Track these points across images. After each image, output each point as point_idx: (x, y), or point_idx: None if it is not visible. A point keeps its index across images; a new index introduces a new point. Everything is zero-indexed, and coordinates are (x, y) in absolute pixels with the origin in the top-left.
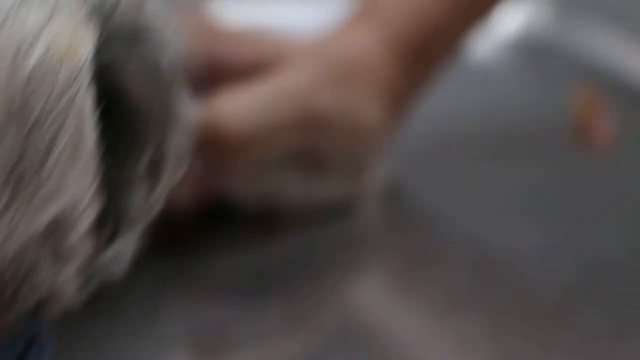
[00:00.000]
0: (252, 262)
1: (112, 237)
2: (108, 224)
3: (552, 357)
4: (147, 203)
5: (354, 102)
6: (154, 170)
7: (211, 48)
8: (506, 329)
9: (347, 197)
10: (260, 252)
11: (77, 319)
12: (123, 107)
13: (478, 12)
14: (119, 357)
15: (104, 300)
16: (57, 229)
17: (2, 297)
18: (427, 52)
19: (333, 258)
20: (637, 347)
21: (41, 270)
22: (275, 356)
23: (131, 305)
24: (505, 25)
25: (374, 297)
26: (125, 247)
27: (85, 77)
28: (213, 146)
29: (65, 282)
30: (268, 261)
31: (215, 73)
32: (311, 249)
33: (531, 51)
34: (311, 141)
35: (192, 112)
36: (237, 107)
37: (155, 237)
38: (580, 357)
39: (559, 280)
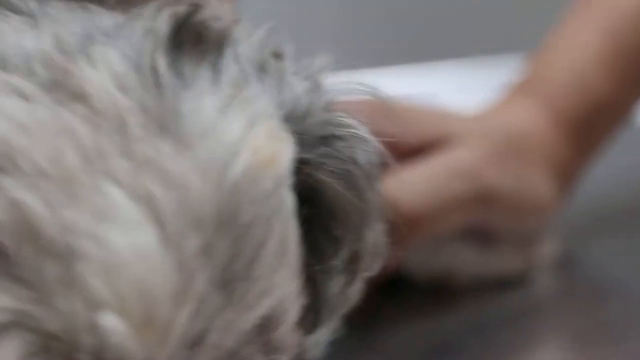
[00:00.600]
0: (427, 332)
1: (313, 326)
2: (310, 314)
3: None
4: (345, 294)
5: (523, 178)
6: (352, 263)
7: (383, 128)
8: None
9: (519, 269)
10: (435, 322)
11: None
12: (321, 205)
13: None
14: None
15: None
16: (268, 325)
17: None
18: (593, 126)
19: (506, 329)
20: None
21: None
22: None
23: None
24: None
25: None
26: (325, 332)
27: (288, 183)
28: (394, 222)
29: None
30: (442, 331)
31: (389, 152)
32: (484, 319)
33: None
34: (482, 217)
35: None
36: (410, 185)
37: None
38: None
39: None
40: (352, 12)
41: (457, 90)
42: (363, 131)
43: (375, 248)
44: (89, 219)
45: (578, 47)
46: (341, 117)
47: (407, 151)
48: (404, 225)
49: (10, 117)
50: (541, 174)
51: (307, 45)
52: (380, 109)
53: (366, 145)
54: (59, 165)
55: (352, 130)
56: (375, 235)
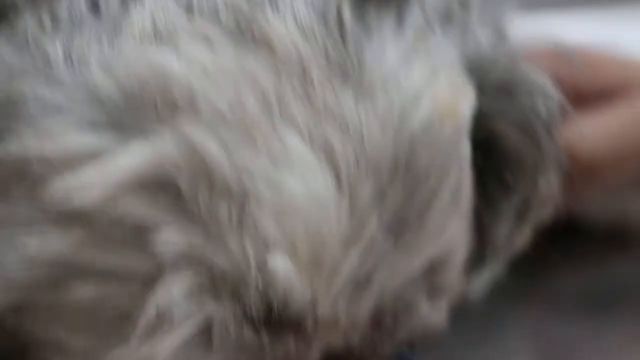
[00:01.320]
0: (600, 279)
1: (477, 269)
2: (476, 257)
3: None
4: (513, 239)
5: None
6: (522, 210)
7: (567, 75)
8: None
9: None
10: (608, 269)
11: None
12: (498, 152)
13: None
14: None
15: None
16: (435, 269)
17: (384, 329)
18: None
19: None
20: None
21: (418, 306)
22: None
23: (476, 318)
24: None
25: None
26: (488, 276)
27: (466, 131)
28: (570, 169)
29: (437, 313)
30: (616, 278)
31: (569, 100)
32: None
33: None
34: None
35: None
36: (590, 133)
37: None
38: None
39: None
40: None
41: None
42: (544, 82)
43: (546, 197)
44: (265, 163)
45: None
46: (523, 68)
47: (589, 97)
48: (583, 173)
49: (194, 61)
50: None
51: None
52: (562, 56)
53: (546, 96)
54: (239, 110)
55: (534, 81)
56: (548, 185)
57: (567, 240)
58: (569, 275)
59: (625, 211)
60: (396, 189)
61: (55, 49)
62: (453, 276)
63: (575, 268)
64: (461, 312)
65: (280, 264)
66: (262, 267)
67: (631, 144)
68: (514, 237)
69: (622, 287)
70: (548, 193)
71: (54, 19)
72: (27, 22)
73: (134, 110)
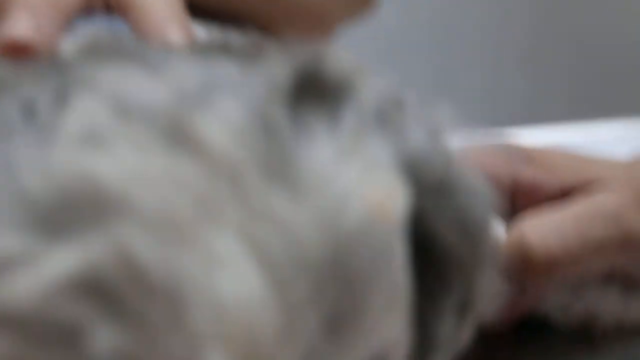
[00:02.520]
0: None
1: None
2: (418, 354)
3: None
4: (455, 336)
5: None
6: (463, 308)
7: (520, 173)
8: None
9: None
10: None
11: None
12: (434, 251)
13: None
14: None
15: None
16: None
17: None
18: None
19: None
20: None
21: None
22: None
23: None
24: None
25: None
26: None
27: (400, 230)
28: (522, 265)
29: None
30: None
31: (524, 197)
32: None
33: None
34: (626, 261)
35: (499, 232)
36: (547, 228)
37: (467, 353)
38: None
39: None
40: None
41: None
42: (479, 182)
43: (486, 294)
44: (197, 264)
45: None
46: (459, 168)
47: (548, 196)
48: (540, 269)
49: (126, 164)
50: None
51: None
52: (515, 154)
53: (481, 195)
54: (171, 213)
55: (469, 181)
56: (486, 282)
57: (535, 339)
58: None
59: (591, 309)
60: (330, 286)
61: None
62: None
63: None
64: None
65: None
66: None
67: (588, 240)
68: (456, 334)
69: None
70: (487, 291)
71: None
72: None
73: (65, 214)
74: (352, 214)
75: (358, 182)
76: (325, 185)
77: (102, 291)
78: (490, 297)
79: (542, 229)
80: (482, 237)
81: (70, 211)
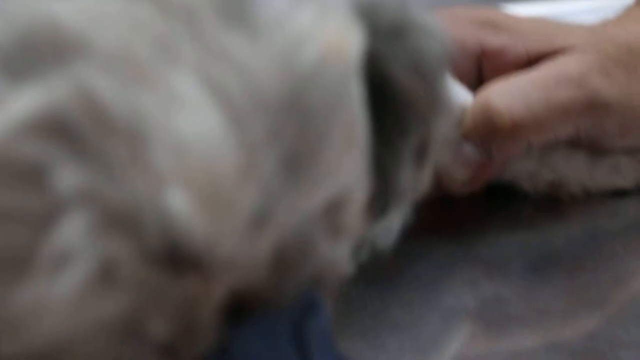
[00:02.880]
0: (531, 241)
1: (381, 213)
2: (378, 201)
3: None
4: (414, 182)
5: (633, 90)
6: (421, 152)
7: (489, 38)
8: None
9: (634, 181)
10: (540, 232)
11: (357, 290)
12: (391, 95)
13: None
14: (398, 326)
15: (384, 272)
16: (333, 206)
17: (284, 269)
18: None
19: (617, 239)
20: None
21: (318, 245)
22: (556, 330)
23: (411, 278)
24: None
25: None
26: (394, 222)
27: (355, 71)
28: (487, 129)
29: (340, 255)
30: (548, 241)
31: (491, 62)
32: (593, 231)
33: None
34: (591, 126)
35: (466, 98)
36: (512, 92)
37: (435, 217)
38: None
39: None
40: None
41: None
42: (433, 25)
43: (443, 139)
44: (156, 102)
45: None
46: (414, 11)
47: (514, 61)
48: (502, 131)
49: (83, 6)
50: None
51: None
52: (482, 18)
53: (435, 39)
54: (129, 52)
55: (423, 24)
56: (443, 127)
57: (503, 205)
58: (503, 236)
59: (557, 175)
60: (288, 126)
61: None
62: (353, 216)
63: (510, 232)
64: (396, 272)
65: (175, 200)
66: (158, 204)
67: (553, 103)
68: (416, 179)
69: (553, 249)
70: (444, 136)
71: None
72: None
73: (25, 56)
74: (308, 55)
75: (313, 24)
76: (281, 27)
77: (65, 130)
78: (445, 143)
79: (507, 93)
80: (437, 80)
81: (30, 54)
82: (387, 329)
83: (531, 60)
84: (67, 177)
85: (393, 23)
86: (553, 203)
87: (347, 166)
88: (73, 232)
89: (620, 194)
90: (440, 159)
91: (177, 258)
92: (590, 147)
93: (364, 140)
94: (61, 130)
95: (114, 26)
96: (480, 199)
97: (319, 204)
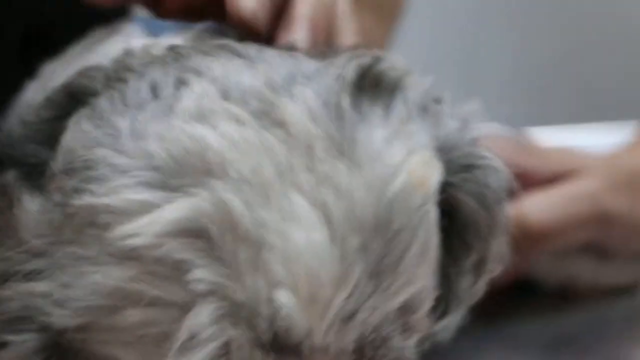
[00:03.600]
0: (550, 326)
1: (443, 314)
2: (442, 304)
3: None
4: (471, 290)
5: (637, 206)
6: (479, 266)
7: (520, 161)
8: None
9: (631, 280)
10: (556, 319)
11: None
12: (458, 217)
13: None
14: None
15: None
16: (407, 309)
17: (364, 357)
18: None
19: (619, 326)
20: None
21: (392, 340)
22: None
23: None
24: None
25: None
26: (453, 320)
27: (433, 199)
28: (521, 236)
29: (409, 347)
30: (562, 326)
31: (522, 181)
32: (600, 319)
33: None
34: (601, 236)
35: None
36: (540, 205)
37: (479, 307)
38: None
39: None
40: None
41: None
42: (496, 162)
43: (498, 255)
44: (276, 218)
45: None
46: (481, 150)
47: (541, 180)
48: (534, 239)
49: (226, 135)
50: None
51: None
52: (519, 145)
53: (498, 174)
54: (259, 175)
55: (488, 161)
56: (499, 245)
57: (527, 296)
58: (528, 321)
59: (571, 274)
60: (377, 243)
61: (123, 124)
62: (422, 317)
63: (533, 316)
64: (433, 350)
65: (285, 299)
66: (271, 300)
67: (573, 216)
68: (474, 288)
69: (570, 333)
70: (499, 252)
71: (123, 100)
72: (103, 103)
73: (178, 174)
74: (397, 184)
75: (403, 159)
76: (377, 160)
77: (203, 236)
78: (500, 259)
79: (537, 207)
80: (497, 208)
81: (183, 172)
82: None
83: (554, 179)
84: (202, 274)
85: (465, 159)
86: (565, 297)
87: (421, 277)
88: (204, 319)
89: (620, 290)
90: (494, 272)
91: (281, 345)
92: (599, 251)
93: (436, 255)
94: (201, 235)
95: (248, 151)
96: (507, 291)
97: (396, 307)
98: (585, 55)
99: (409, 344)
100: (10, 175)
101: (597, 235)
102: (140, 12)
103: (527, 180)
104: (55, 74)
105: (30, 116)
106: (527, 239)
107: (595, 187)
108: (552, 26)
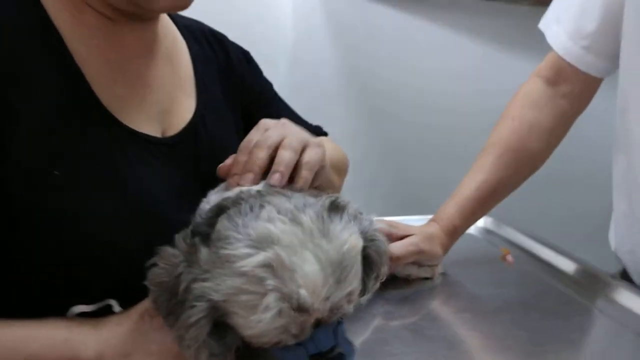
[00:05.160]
0: (399, 291)
1: (362, 295)
2: (362, 291)
3: None
4: (373, 286)
5: (433, 246)
6: (376, 277)
7: (389, 231)
8: None
9: (430, 275)
10: (402, 289)
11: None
12: (369, 259)
13: None
14: None
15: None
16: (350, 295)
17: (333, 314)
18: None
19: (427, 295)
20: None
21: (344, 306)
22: None
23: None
24: None
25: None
26: (366, 297)
27: (360, 253)
28: (391, 259)
29: (350, 309)
30: (404, 291)
31: (391, 238)
32: (416, 291)
33: None
34: (418, 258)
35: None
36: (397, 247)
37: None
38: None
39: None
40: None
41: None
42: (382, 237)
43: (384, 272)
44: (299, 261)
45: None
46: (377, 232)
47: (398, 237)
48: (394, 260)
49: (279, 228)
50: (438, 246)
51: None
52: (389, 226)
53: (383, 242)
54: (291, 244)
55: (379, 237)
56: (385, 269)
57: (393, 282)
58: (391, 293)
59: (408, 273)
60: (338, 270)
61: (239, 221)
62: (355, 298)
63: (395, 290)
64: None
65: (303, 293)
66: (298, 293)
67: (409, 252)
68: (374, 285)
69: (406, 294)
70: (384, 271)
71: (239, 212)
72: (232, 212)
73: (260, 243)
74: (345, 247)
75: (348, 237)
76: (337, 238)
77: (270, 267)
78: (384, 272)
79: (396, 248)
80: (385, 256)
81: (261, 242)
82: None
83: (403, 236)
84: (270, 282)
85: (371, 236)
86: (406, 282)
87: (355, 282)
88: (271, 299)
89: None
90: (383, 278)
91: (302, 309)
92: (418, 263)
93: (360, 274)
94: (269, 266)
95: (287, 234)
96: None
97: (345, 294)
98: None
99: (350, 308)
100: (196, 239)
101: (417, 258)
102: None
103: (393, 237)
104: (212, 195)
105: (204, 215)
106: (393, 260)
107: (418, 239)
108: None
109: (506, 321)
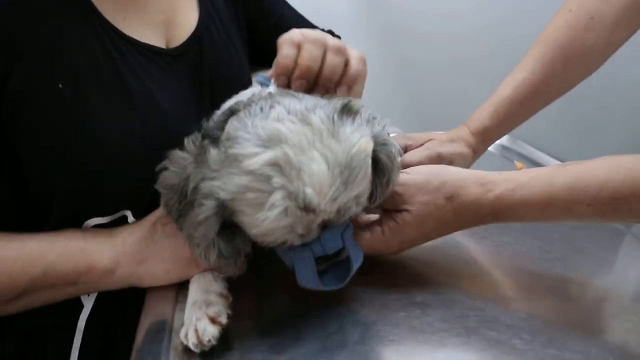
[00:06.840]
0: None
1: (371, 199)
2: (372, 195)
3: None
4: (384, 191)
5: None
6: (387, 182)
7: (403, 141)
8: None
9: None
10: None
11: None
12: (379, 163)
13: None
14: None
15: None
16: (358, 197)
17: (341, 215)
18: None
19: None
20: None
21: (352, 208)
22: None
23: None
24: None
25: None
26: (377, 202)
27: (370, 155)
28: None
29: (359, 211)
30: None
31: (404, 149)
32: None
33: None
34: None
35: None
36: (410, 156)
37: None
38: None
39: None
40: None
41: None
42: (394, 142)
43: (395, 177)
44: (307, 159)
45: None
46: (389, 137)
47: (412, 148)
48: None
49: (288, 127)
50: (464, 147)
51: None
52: (405, 138)
53: (394, 147)
54: (300, 143)
55: (391, 141)
56: (395, 174)
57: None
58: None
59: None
60: (346, 171)
61: (249, 122)
62: (363, 201)
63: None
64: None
65: (309, 191)
66: (304, 192)
67: (423, 159)
68: (385, 190)
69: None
70: (396, 176)
71: (249, 113)
72: (242, 114)
73: (269, 141)
74: (355, 149)
75: (358, 139)
76: (347, 140)
77: (278, 165)
78: (396, 179)
79: (409, 157)
80: (395, 160)
81: (270, 141)
82: None
83: (418, 146)
84: (277, 180)
85: (382, 140)
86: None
87: (364, 185)
88: (277, 197)
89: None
90: (395, 183)
91: (308, 208)
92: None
93: (369, 177)
94: (277, 165)
95: (296, 134)
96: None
97: (353, 196)
98: None
99: (358, 210)
100: (206, 141)
101: (436, 162)
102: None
103: (406, 149)
104: (226, 104)
105: (216, 118)
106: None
107: (436, 143)
108: None
109: (528, 243)
